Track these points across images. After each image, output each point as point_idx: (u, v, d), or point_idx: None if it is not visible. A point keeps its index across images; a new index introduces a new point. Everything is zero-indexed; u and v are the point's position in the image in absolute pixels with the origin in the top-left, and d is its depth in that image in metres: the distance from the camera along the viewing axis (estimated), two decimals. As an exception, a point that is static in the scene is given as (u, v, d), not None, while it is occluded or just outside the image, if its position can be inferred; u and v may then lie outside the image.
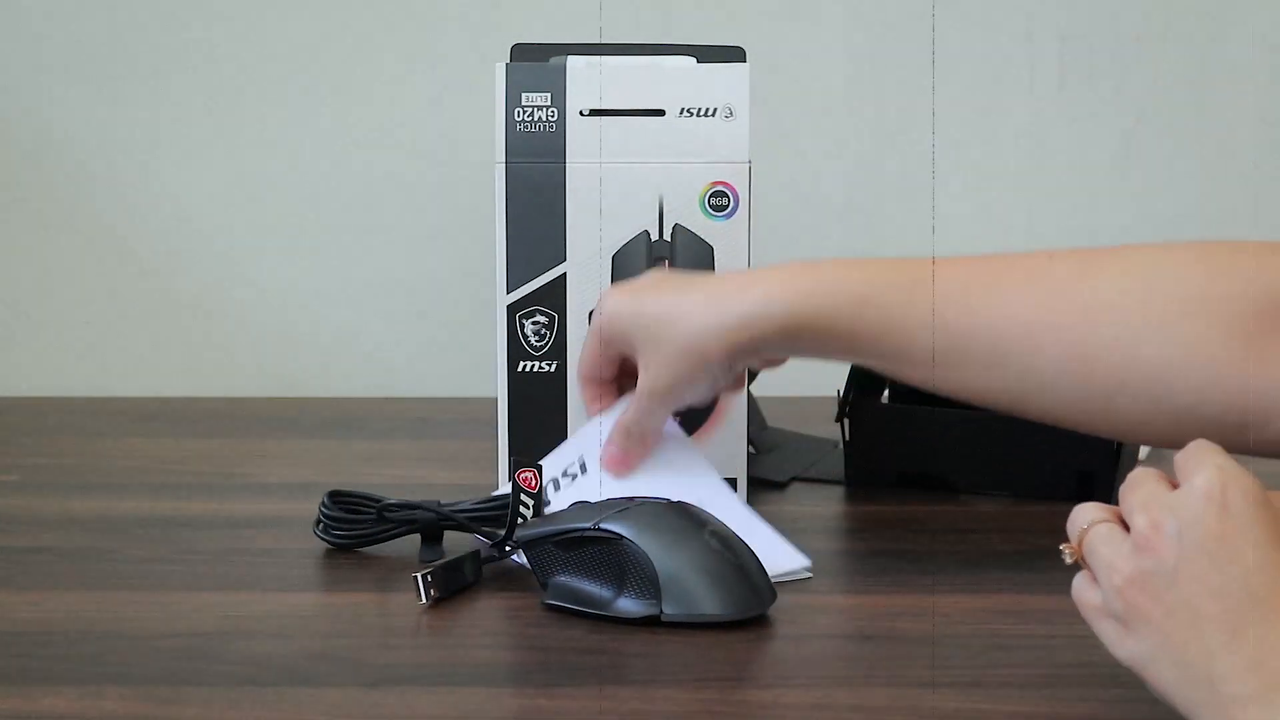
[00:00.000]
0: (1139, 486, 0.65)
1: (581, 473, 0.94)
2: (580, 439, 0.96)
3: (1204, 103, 1.39)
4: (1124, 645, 0.64)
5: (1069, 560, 0.67)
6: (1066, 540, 0.67)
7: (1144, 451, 1.11)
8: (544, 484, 0.89)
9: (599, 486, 0.93)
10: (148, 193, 1.39)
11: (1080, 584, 0.67)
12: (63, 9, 1.37)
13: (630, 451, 0.93)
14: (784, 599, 0.80)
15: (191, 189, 1.39)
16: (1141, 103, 1.39)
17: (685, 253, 0.99)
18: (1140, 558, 0.62)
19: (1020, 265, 0.85)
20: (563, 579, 0.82)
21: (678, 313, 0.89)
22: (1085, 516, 0.67)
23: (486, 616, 0.82)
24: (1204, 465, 0.63)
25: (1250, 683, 0.59)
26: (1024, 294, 0.83)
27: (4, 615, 0.81)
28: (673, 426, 0.94)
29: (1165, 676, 0.62)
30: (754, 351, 0.88)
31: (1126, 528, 0.64)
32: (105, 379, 1.40)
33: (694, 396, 0.91)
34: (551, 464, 0.94)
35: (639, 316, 0.90)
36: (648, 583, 0.78)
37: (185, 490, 1.06)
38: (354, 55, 1.38)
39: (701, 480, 0.93)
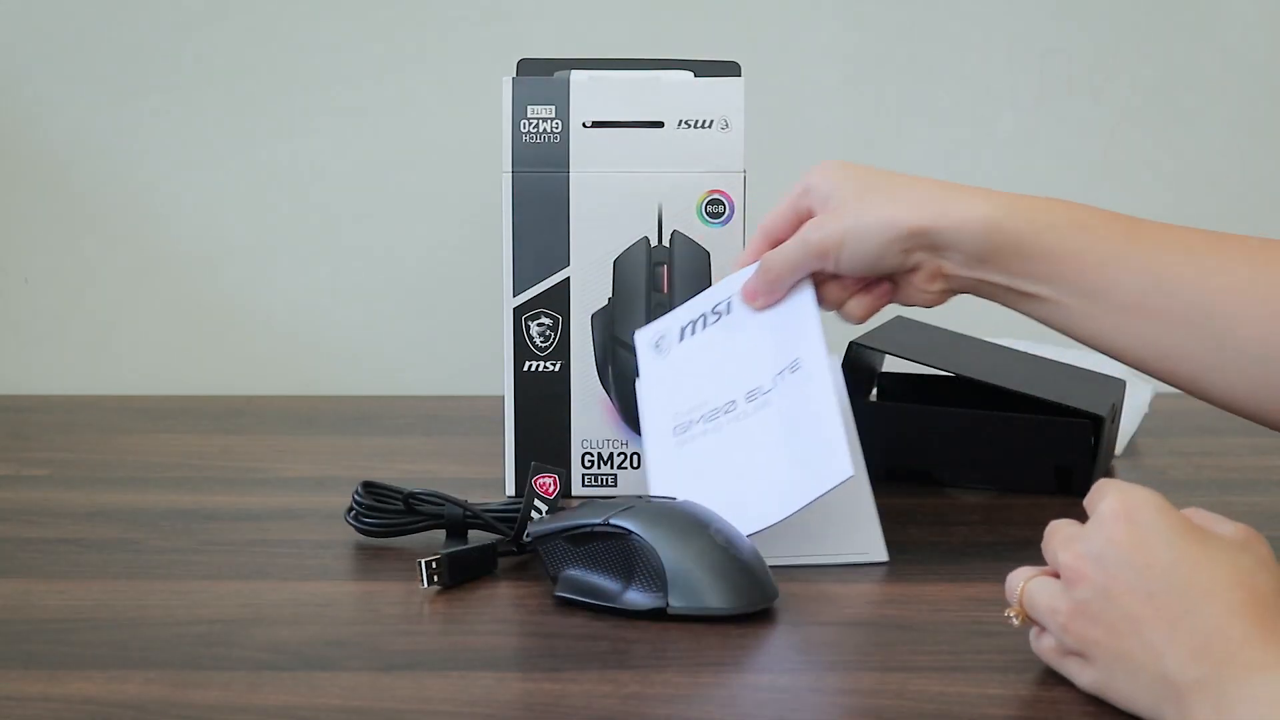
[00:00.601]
0: (1055, 534, 0.70)
1: (727, 312, 0.93)
2: (730, 283, 0.94)
3: (1178, 113, 1.40)
4: (1085, 674, 0.68)
5: (1016, 623, 0.71)
6: (1009, 605, 0.72)
7: (1120, 447, 1.13)
8: (679, 327, 0.95)
9: (729, 331, 0.93)
10: (171, 200, 1.40)
11: (1034, 637, 0.72)
12: (90, 21, 1.38)
13: (759, 288, 0.91)
14: (781, 590, 0.81)
15: (214, 196, 1.40)
16: (1119, 113, 1.39)
17: (683, 258, 1.00)
18: (1074, 591, 0.67)
19: (1237, 242, 0.82)
20: (573, 572, 0.82)
21: (886, 184, 0.87)
22: (1019, 578, 0.72)
23: (498, 606, 0.83)
24: (1106, 493, 0.68)
25: (1198, 668, 0.62)
26: (1242, 267, 0.80)
27: (34, 603, 0.82)
28: (810, 295, 0.90)
29: (1124, 689, 0.65)
30: (938, 246, 0.85)
31: (1056, 576, 0.69)
32: (130, 378, 1.42)
33: (850, 262, 0.87)
34: (693, 306, 0.95)
35: (848, 174, 0.88)
36: (655, 576, 0.79)
37: (207, 484, 1.08)
38: (368, 68, 1.39)
39: (805, 350, 0.89)
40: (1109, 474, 1.08)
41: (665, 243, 1.00)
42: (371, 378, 1.42)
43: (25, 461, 1.15)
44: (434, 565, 0.84)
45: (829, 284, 0.91)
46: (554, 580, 0.83)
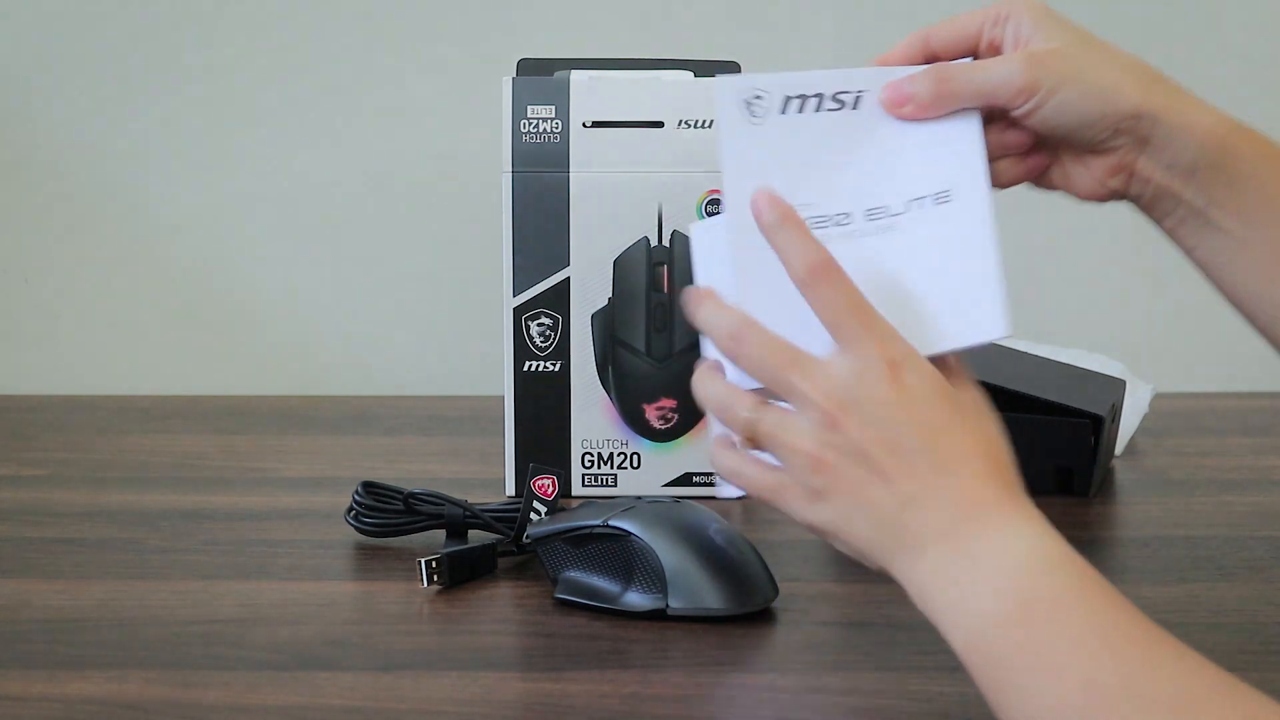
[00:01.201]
0: (793, 364, 0.68)
1: (852, 106, 0.80)
2: (863, 76, 0.79)
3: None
4: (817, 512, 0.68)
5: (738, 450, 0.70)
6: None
7: (1120, 447, 1.13)
8: (784, 95, 0.77)
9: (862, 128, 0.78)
10: (171, 201, 1.41)
11: (745, 465, 0.70)
12: (90, 21, 1.38)
13: (924, 96, 0.75)
14: (781, 590, 0.81)
15: (214, 196, 1.40)
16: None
17: (684, 258, 1.00)
18: (827, 435, 0.66)
19: None
20: (572, 574, 0.82)
21: (1112, 49, 0.76)
22: (741, 405, 0.69)
23: (499, 606, 0.83)
24: (864, 338, 0.67)
25: (946, 522, 0.65)
26: None
27: (34, 603, 0.83)
28: (977, 124, 0.77)
29: (860, 533, 0.67)
30: (1152, 139, 0.75)
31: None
32: (130, 379, 1.42)
33: (1050, 116, 0.75)
34: (806, 80, 0.78)
35: (1065, 21, 0.76)
36: (654, 577, 0.79)
37: (207, 484, 1.08)
38: (368, 68, 1.39)
39: (965, 183, 0.77)
40: (1109, 474, 1.09)
41: (665, 243, 1.01)
42: (371, 378, 1.42)
43: (25, 461, 1.15)
44: (434, 565, 0.84)
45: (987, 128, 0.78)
46: (554, 582, 0.83)
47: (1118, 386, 1.09)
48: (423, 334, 1.42)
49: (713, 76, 1.00)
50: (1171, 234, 0.79)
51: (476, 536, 0.91)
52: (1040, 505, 0.87)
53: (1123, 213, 1.43)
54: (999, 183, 0.78)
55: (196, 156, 1.40)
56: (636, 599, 0.80)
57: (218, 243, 1.42)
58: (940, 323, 0.75)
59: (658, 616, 0.80)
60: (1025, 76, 0.73)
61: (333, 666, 0.74)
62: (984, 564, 0.64)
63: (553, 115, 0.99)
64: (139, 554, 0.92)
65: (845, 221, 0.77)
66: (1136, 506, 1.03)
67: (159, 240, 1.42)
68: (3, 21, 1.38)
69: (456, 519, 0.91)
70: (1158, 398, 1.22)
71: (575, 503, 0.92)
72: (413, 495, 0.92)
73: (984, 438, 0.68)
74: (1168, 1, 1.39)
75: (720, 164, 0.77)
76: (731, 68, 1.02)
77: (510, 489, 1.03)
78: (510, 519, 0.90)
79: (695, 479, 1.03)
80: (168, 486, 1.07)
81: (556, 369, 1.01)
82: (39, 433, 1.25)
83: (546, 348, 1.01)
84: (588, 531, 0.82)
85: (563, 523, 0.83)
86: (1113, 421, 1.07)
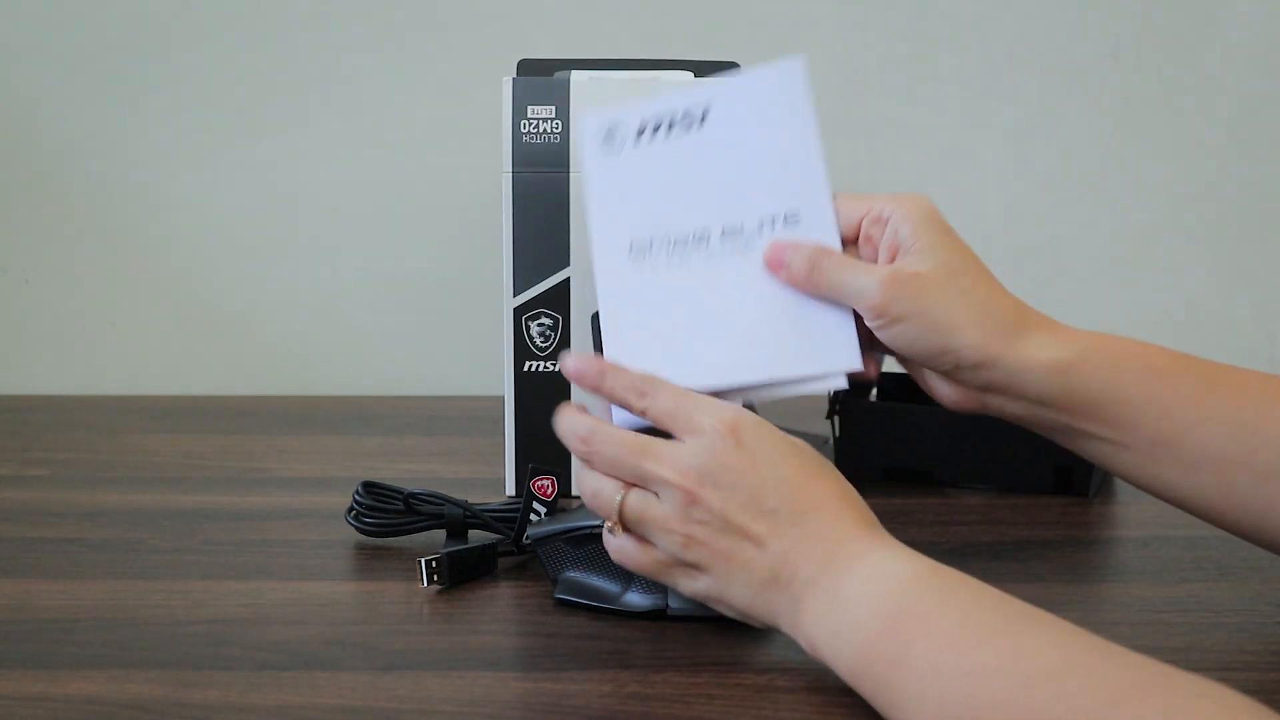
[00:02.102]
0: (640, 451, 0.74)
1: (700, 123, 0.82)
2: (709, 89, 0.83)
3: (1178, 113, 1.40)
4: (698, 584, 0.74)
5: (615, 536, 0.76)
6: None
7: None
8: (638, 123, 0.82)
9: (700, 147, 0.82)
10: (171, 201, 1.41)
11: (626, 547, 0.76)
12: (90, 22, 1.38)
13: (795, 270, 0.79)
14: None
15: (214, 196, 1.41)
16: (1119, 113, 1.40)
17: None
18: (691, 511, 0.72)
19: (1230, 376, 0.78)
20: (572, 574, 0.83)
21: (970, 280, 0.78)
22: (606, 491, 0.75)
23: (498, 606, 0.83)
24: (701, 411, 0.73)
25: (814, 569, 0.69)
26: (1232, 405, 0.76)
27: (35, 603, 0.83)
28: (815, 134, 0.81)
29: (741, 597, 0.72)
30: (994, 382, 0.78)
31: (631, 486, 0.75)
32: (130, 378, 1.42)
33: (894, 341, 0.78)
34: (657, 104, 0.82)
35: (937, 237, 0.78)
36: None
37: (207, 484, 1.08)
38: (368, 69, 1.39)
39: (810, 205, 0.80)
40: (1109, 474, 1.08)
41: (665, 243, 1.00)
42: (371, 378, 1.43)
43: (25, 461, 1.15)
44: (434, 565, 0.84)
45: None
46: (554, 582, 0.84)
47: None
48: (423, 334, 1.42)
49: (713, 76, 1.00)
50: (1052, 439, 0.81)
51: (476, 536, 0.91)
52: (1040, 505, 0.88)
53: (1122, 213, 1.43)
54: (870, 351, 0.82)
55: (197, 157, 1.40)
56: (636, 599, 0.80)
57: (218, 243, 1.42)
58: (793, 351, 0.78)
59: (658, 616, 0.80)
60: (879, 298, 0.76)
61: (333, 666, 0.74)
62: (852, 599, 0.68)
63: (553, 115, 0.99)
64: (139, 554, 0.92)
65: (704, 243, 0.81)
66: (1136, 506, 1.03)
67: (159, 240, 1.42)
68: (3, 22, 1.38)
69: (456, 519, 0.91)
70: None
71: (575, 503, 0.92)
72: (413, 495, 0.92)
73: (830, 479, 0.73)
74: (1168, 1, 1.39)
75: (585, 200, 0.82)
76: (730, 68, 1.02)
77: (510, 489, 1.03)
78: (510, 519, 0.90)
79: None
80: (168, 486, 1.07)
81: (556, 369, 1.01)
82: (39, 433, 1.26)
83: (546, 348, 1.01)
84: (588, 531, 0.82)
85: (563, 523, 0.83)
86: (1112, 422, 1.07)
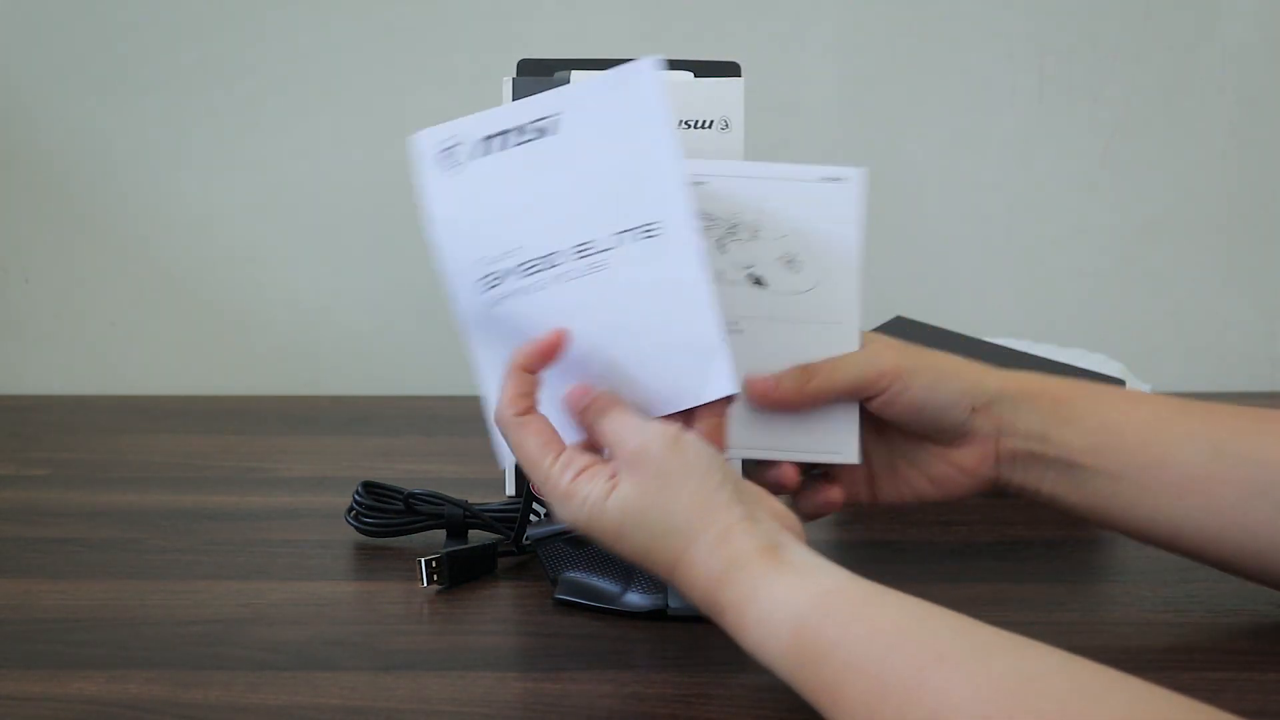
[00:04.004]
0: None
1: (552, 132, 0.78)
2: (557, 97, 0.78)
3: (1178, 113, 1.40)
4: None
5: None
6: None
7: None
8: (479, 136, 0.78)
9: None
10: (171, 202, 1.41)
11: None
12: (90, 22, 1.38)
13: (786, 393, 0.80)
14: None
15: (214, 198, 1.41)
16: (1119, 113, 1.40)
17: None
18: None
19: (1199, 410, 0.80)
20: (572, 575, 0.82)
21: (944, 354, 0.82)
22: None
23: (498, 606, 0.83)
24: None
25: (707, 603, 0.68)
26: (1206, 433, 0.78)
27: (35, 603, 0.83)
28: (671, 137, 0.76)
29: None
30: (1003, 417, 0.80)
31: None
32: (130, 378, 1.42)
33: (913, 398, 0.80)
34: (500, 115, 0.78)
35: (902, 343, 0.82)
36: (654, 577, 0.79)
37: (207, 484, 1.08)
38: (368, 69, 1.39)
39: (668, 214, 0.75)
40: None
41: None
42: (371, 378, 1.43)
43: (25, 461, 1.15)
44: (434, 565, 0.84)
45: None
46: (554, 582, 0.83)
47: (1117, 386, 1.09)
48: (423, 334, 1.42)
49: (714, 77, 1.00)
50: (1054, 500, 0.81)
51: (476, 536, 0.92)
52: (1040, 505, 0.87)
53: (1122, 213, 1.43)
54: (808, 512, 0.82)
55: (197, 157, 1.40)
56: (636, 599, 0.80)
57: (218, 243, 1.42)
58: (664, 384, 0.75)
59: (658, 616, 0.80)
60: (890, 361, 0.79)
61: (333, 666, 0.74)
62: (757, 644, 0.66)
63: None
64: (139, 554, 0.92)
65: (556, 261, 0.76)
66: (1136, 506, 1.03)
67: (159, 240, 1.42)
68: (3, 22, 1.38)
69: (456, 519, 0.91)
70: (1157, 398, 1.22)
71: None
72: (413, 495, 0.92)
73: (703, 504, 0.69)
74: (1168, 1, 1.39)
75: (428, 224, 0.78)
76: (732, 68, 1.02)
77: (510, 489, 1.03)
78: (510, 519, 0.90)
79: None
80: (168, 486, 1.07)
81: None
82: (39, 432, 1.26)
83: (546, 348, 1.01)
84: (588, 532, 0.82)
85: (563, 523, 0.83)
86: (1112, 421, 1.07)
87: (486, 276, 0.77)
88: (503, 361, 0.76)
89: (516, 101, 0.78)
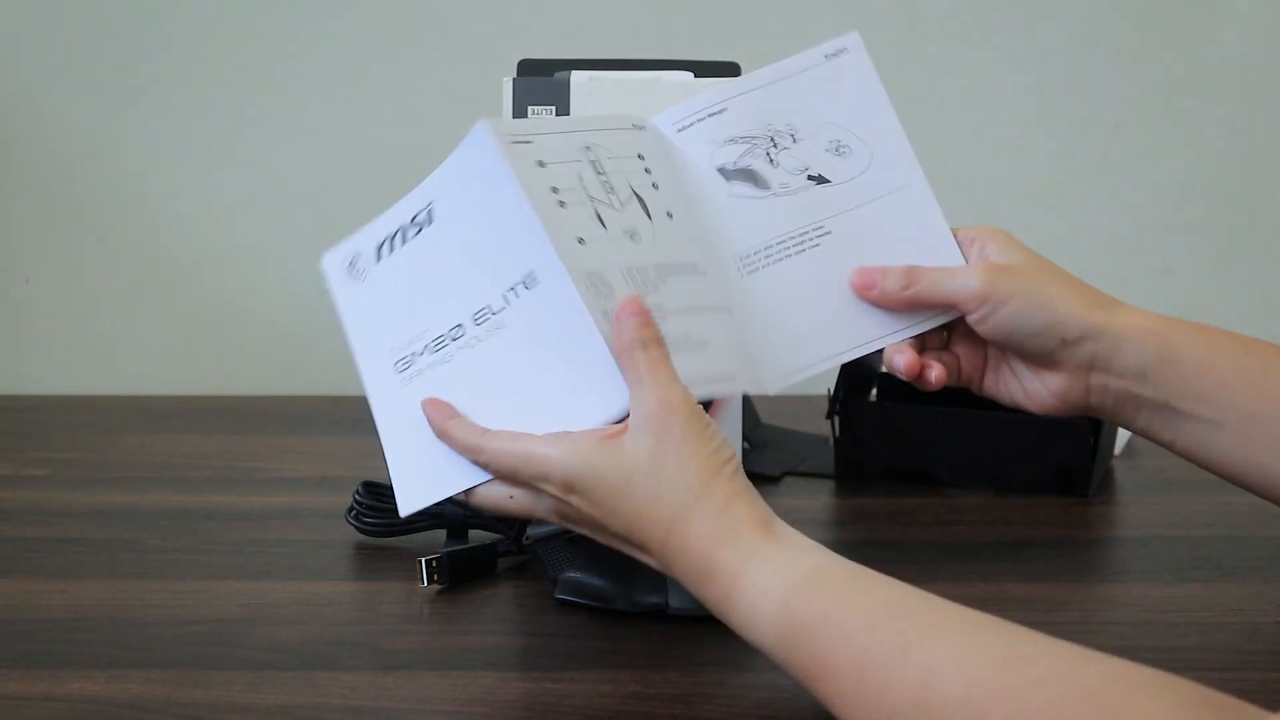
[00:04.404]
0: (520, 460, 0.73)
1: (429, 223, 0.82)
2: (428, 189, 0.83)
3: (1178, 113, 1.40)
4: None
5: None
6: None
7: (1119, 447, 1.13)
8: (374, 246, 0.83)
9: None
10: (171, 200, 1.41)
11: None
12: (90, 22, 1.38)
13: (889, 289, 0.82)
14: None
15: (214, 196, 1.40)
16: (1118, 113, 1.40)
17: None
18: (568, 513, 0.72)
19: None
20: (573, 574, 0.83)
21: (1059, 269, 0.82)
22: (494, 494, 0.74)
23: (499, 606, 0.83)
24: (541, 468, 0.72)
25: (698, 588, 0.68)
26: None
27: (35, 603, 0.83)
28: (517, 192, 0.77)
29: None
30: (1099, 352, 0.79)
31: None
32: (131, 378, 1.42)
33: (1004, 323, 0.80)
34: (387, 221, 0.84)
35: (1018, 242, 0.83)
36: (654, 576, 0.78)
37: (207, 484, 1.08)
38: (369, 69, 1.39)
39: (538, 261, 0.77)
40: (1108, 474, 1.09)
41: (665, 243, 1.00)
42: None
43: (26, 461, 1.15)
44: (434, 564, 0.84)
45: (922, 339, 0.84)
46: (554, 582, 0.84)
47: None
48: (423, 334, 1.42)
49: (714, 77, 1.00)
50: (1147, 433, 0.82)
51: (476, 536, 0.91)
52: (1040, 505, 0.87)
53: (1122, 213, 1.43)
54: (933, 382, 0.83)
55: (197, 157, 1.40)
56: (636, 599, 0.80)
57: (218, 243, 1.42)
58: (566, 411, 0.76)
59: (658, 616, 0.80)
60: (981, 284, 0.80)
61: (333, 666, 0.74)
62: (746, 610, 0.66)
63: (553, 115, 0.98)
64: (140, 554, 0.92)
65: (459, 334, 0.79)
66: (1135, 506, 1.03)
67: (159, 240, 1.42)
68: (3, 22, 1.38)
69: (456, 519, 0.91)
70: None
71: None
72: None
73: (713, 469, 0.70)
74: (1168, 2, 1.39)
75: (345, 333, 0.84)
76: (732, 68, 1.02)
77: (510, 489, 1.03)
78: (510, 519, 0.90)
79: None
80: (168, 486, 1.07)
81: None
82: (39, 433, 1.26)
83: (546, 348, 1.01)
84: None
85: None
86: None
87: (399, 362, 0.81)
88: (407, 450, 0.79)
89: (396, 205, 0.83)
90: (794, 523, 0.95)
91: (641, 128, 0.85)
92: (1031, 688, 0.57)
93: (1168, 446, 0.81)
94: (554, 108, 0.99)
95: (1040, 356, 0.81)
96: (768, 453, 1.13)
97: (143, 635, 0.78)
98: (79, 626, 0.79)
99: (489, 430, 0.74)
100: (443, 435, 0.75)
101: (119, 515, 1.00)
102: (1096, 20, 1.39)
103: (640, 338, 0.72)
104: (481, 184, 0.80)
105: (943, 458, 1.06)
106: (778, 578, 0.65)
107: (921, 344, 0.84)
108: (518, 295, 0.78)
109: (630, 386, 0.71)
